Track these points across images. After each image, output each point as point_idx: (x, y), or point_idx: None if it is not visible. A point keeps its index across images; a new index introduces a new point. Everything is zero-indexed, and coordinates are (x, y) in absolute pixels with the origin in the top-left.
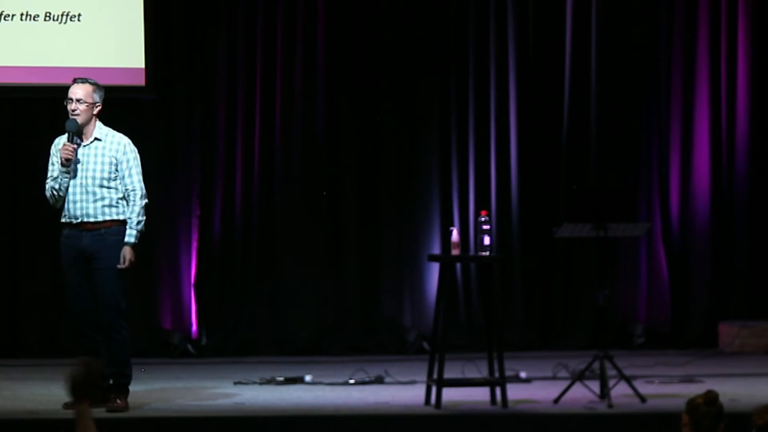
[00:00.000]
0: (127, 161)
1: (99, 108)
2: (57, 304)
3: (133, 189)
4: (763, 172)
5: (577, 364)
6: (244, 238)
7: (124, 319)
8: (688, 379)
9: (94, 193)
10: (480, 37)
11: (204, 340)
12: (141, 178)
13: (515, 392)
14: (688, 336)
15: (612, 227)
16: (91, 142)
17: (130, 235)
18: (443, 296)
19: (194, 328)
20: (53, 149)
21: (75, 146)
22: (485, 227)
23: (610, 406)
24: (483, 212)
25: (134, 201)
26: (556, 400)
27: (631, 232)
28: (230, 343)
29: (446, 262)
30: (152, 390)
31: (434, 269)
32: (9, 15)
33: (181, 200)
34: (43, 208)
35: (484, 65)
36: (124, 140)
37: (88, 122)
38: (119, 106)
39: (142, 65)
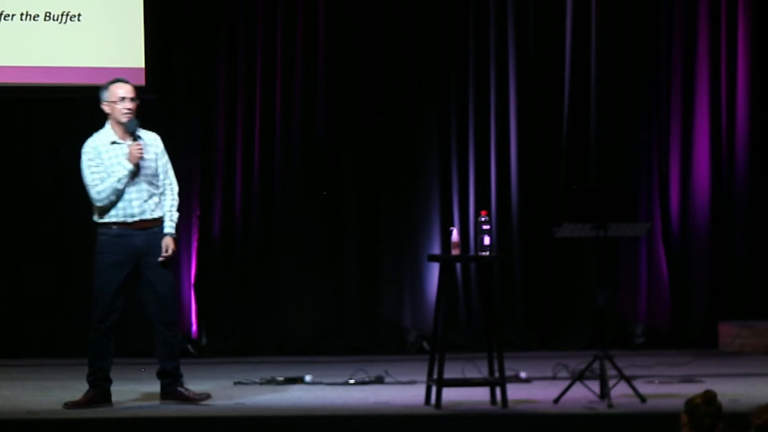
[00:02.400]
0: (165, 156)
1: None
2: (57, 304)
3: (170, 183)
4: (763, 172)
5: (577, 364)
6: (244, 238)
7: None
8: (688, 379)
9: (147, 191)
10: (480, 37)
11: (204, 340)
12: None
13: (515, 392)
14: (688, 336)
15: (612, 227)
16: (134, 140)
17: (171, 227)
18: (443, 296)
19: (194, 328)
20: (94, 152)
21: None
22: (485, 227)
23: (610, 406)
24: (483, 212)
25: (173, 194)
26: (556, 400)
27: (631, 232)
28: (230, 343)
29: (446, 262)
30: (152, 390)
31: (434, 269)
32: (9, 15)
33: (181, 200)
34: (43, 208)
35: (484, 65)
36: (158, 136)
37: None
38: None
39: (142, 65)
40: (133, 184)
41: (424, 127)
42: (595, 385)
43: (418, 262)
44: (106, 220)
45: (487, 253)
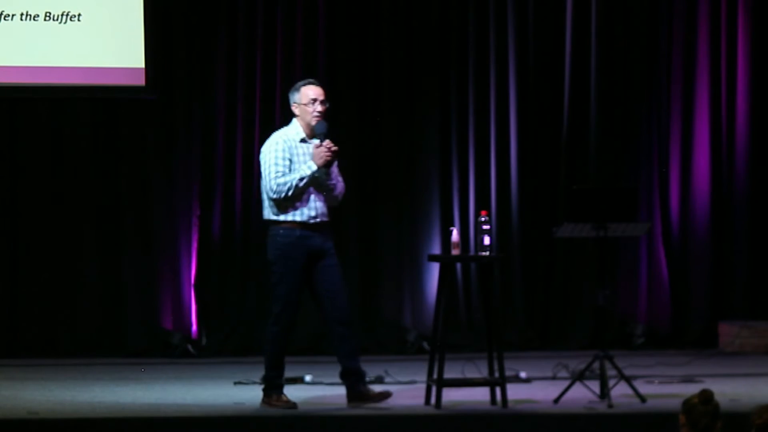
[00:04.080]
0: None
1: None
2: (57, 304)
3: (343, 185)
4: (763, 172)
5: (577, 364)
6: (244, 238)
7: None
8: (688, 379)
9: (325, 194)
10: (480, 37)
11: (204, 340)
12: None
13: (515, 392)
14: (688, 336)
15: (612, 227)
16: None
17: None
18: (443, 296)
19: (194, 328)
20: (285, 145)
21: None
22: (485, 227)
23: (610, 406)
24: (483, 212)
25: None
26: (556, 400)
27: (631, 232)
28: (230, 343)
29: (446, 262)
30: (152, 390)
31: (434, 269)
32: (9, 15)
33: (181, 200)
34: (44, 208)
35: (484, 65)
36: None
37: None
38: (119, 106)
39: (142, 65)
40: (318, 186)
41: (424, 127)
42: (595, 385)
43: (418, 262)
44: (289, 218)
45: (487, 253)
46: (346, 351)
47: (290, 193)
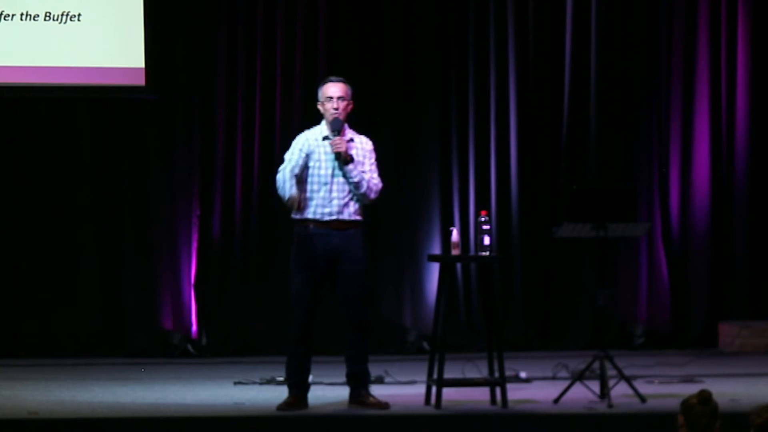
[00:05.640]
0: (371, 158)
1: (351, 106)
2: (57, 304)
3: (376, 182)
4: (762, 172)
5: (577, 364)
6: (244, 238)
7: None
8: (688, 379)
9: (350, 193)
10: (480, 37)
11: (204, 340)
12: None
13: (515, 392)
14: (688, 336)
15: (612, 227)
16: (349, 141)
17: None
18: (443, 296)
19: (194, 328)
20: (300, 140)
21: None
22: (485, 227)
23: (610, 406)
24: (483, 212)
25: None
26: (556, 400)
27: (631, 232)
28: (230, 343)
29: (446, 262)
30: (152, 390)
31: (434, 269)
32: (9, 15)
33: (181, 200)
34: (44, 209)
35: (484, 65)
36: (368, 140)
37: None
38: (119, 106)
39: (142, 65)
40: (336, 184)
41: (424, 127)
42: (595, 385)
43: (418, 262)
44: (304, 216)
45: (487, 253)
46: (353, 355)
47: (279, 184)
